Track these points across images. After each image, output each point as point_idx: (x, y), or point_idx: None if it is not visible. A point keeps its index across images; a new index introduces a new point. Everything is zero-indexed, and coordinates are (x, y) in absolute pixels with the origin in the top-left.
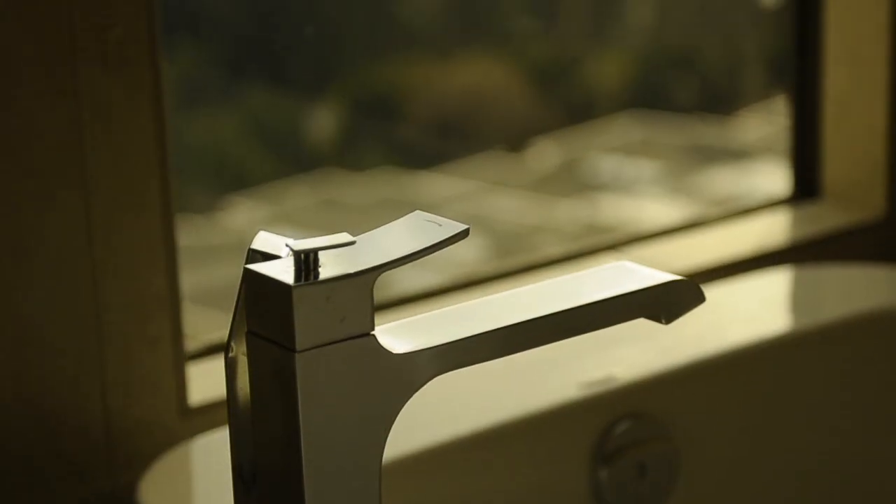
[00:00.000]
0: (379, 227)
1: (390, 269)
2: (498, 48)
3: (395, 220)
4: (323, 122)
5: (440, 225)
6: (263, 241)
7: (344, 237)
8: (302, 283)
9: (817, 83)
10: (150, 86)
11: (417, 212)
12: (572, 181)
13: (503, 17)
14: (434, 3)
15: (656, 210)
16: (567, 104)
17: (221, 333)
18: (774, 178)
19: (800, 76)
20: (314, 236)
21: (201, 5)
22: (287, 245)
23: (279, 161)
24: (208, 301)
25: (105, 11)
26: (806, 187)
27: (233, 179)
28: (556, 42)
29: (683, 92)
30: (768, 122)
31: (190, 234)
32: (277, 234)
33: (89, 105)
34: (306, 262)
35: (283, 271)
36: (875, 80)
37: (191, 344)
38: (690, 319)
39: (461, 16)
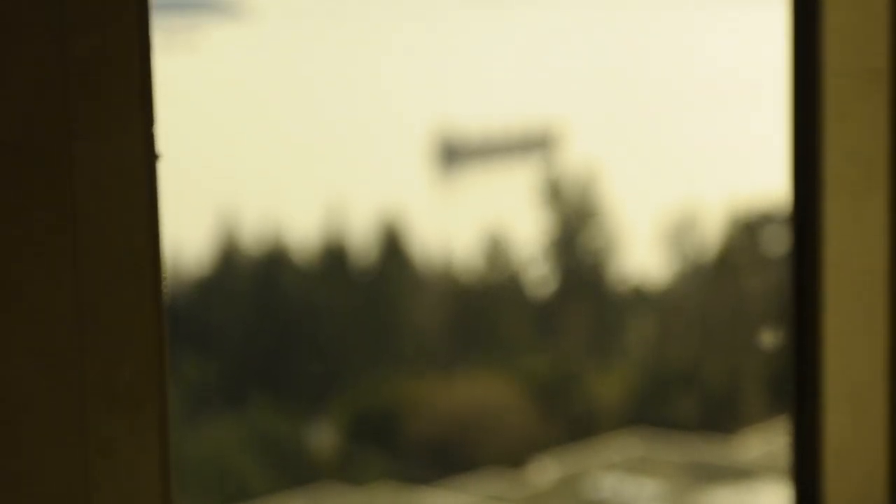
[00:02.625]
0: None
1: None
2: (498, 364)
3: None
4: (323, 435)
5: None
6: None
7: None
8: None
9: (817, 428)
10: (157, 424)
11: None
12: (572, 497)
13: (504, 333)
14: (434, 321)
15: None
16: (568, 420)
17: None
18: (775, 497)
19: (799, 420)
20: None
21: (209, 321)
22: None
23: (279, 473)
24: None
25: (116, 352)
26: None
27: (233, 491)
28: (557, 358)
29: (684, 410)
30: (769, 441)
31: None
32: None
33: (95, 445)
34: None
35: None
36: (875, 427)
37: None
38: None
39: (462, 333)
